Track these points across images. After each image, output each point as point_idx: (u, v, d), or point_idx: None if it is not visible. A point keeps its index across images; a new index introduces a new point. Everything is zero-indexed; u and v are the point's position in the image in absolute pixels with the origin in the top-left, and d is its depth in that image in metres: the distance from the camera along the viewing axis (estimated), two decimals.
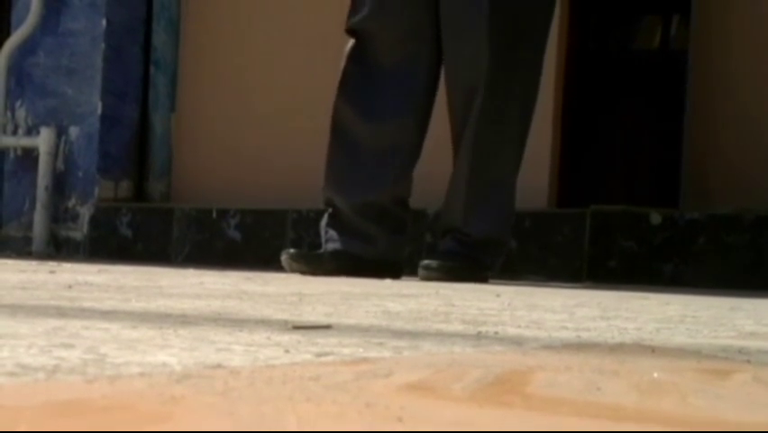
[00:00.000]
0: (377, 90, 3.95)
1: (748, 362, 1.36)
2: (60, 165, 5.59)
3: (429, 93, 3.97)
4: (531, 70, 3.91)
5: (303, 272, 3.85)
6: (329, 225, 4.01)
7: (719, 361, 1.38)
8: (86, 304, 1.93)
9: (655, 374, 1.18)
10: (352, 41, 3.99)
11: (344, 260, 3.90)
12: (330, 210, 4.03)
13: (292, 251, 3.99)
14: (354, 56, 3.98)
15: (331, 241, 3.99)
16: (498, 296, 2.84)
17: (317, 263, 3.89)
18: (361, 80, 3.97)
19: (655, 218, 4.25)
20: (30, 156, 5.65)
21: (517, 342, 1.52)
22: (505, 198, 3.92)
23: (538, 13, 3.89)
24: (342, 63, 4.00)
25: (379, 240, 3.95)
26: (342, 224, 3.99)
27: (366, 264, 3.89)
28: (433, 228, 4.16)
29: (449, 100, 3.90)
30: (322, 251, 4.00)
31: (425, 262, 3.83)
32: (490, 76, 3.79)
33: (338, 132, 4.03)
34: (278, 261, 4.00)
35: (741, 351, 1.49)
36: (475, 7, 3.80)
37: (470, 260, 3.83)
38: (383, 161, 3.94)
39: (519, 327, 1.79)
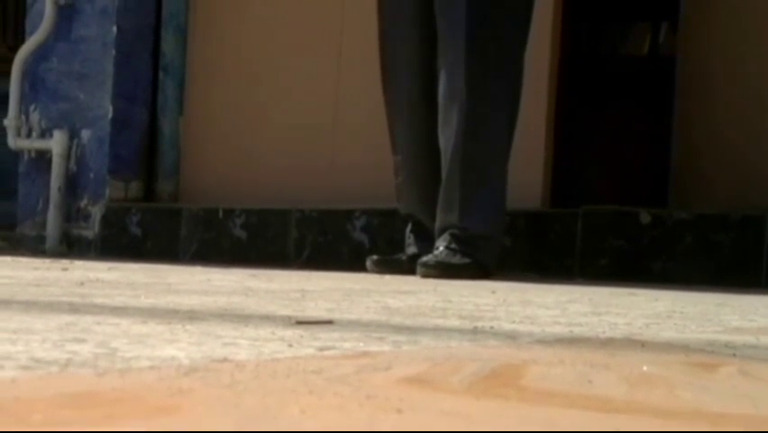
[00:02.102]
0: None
1: (734, 355, 1.36)
2: (73, 167, 5.59)
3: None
4: (511, 76, 3.97)
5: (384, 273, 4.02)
6: (412, 231, 4.20)
7: (706, 355, 1.38)
8: (98, 300, 1.93)
9: (644, 368, 1.18)
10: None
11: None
12: (414, 219, 4.20)
13: (375, 257, 4.16)
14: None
15: (411, 246, 4.18)
16: (493, 292, 2.84)
17: (397, 267, 4.06)
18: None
19: (645, 218, 4.25)
20: (43, 158, 5.65)
21: (512, 336, 1.52)
22: (498, 195, 3.97)
23: (515, 27, 3.98)
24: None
25: None
26: (421, 231, 4.15)
27: (442, 268, 3.98)
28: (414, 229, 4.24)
29: (439, 109, 3.98)
30: (401, 255, 4.18)
31: (424, 259, 3.85)
32: (469, 84, 3.88)
33: (396, 151, 4.20)
34: (282, 258, 4.00)
35: (727, 345, 1.49)
36: (454, 23, 3.90)
37: (468, 257, 3.85)
38: (434, 173, 4.05)
39: (514, 322, 1.79)
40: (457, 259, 3.84)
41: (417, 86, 4.08)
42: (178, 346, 1.18)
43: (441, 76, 3.96)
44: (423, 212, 4.13)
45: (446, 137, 3.95)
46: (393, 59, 4.14)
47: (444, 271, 3.78)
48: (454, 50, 3.92)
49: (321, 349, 1.22)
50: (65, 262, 4.11)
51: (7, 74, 5.79)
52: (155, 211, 5.45)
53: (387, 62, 4.16)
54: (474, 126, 3.90)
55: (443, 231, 3.96)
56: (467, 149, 3.90)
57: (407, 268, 4.02)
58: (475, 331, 1.57)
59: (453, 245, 3.88)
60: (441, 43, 3.97)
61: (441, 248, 3.90)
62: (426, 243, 4.10)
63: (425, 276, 3.77)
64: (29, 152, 5.71)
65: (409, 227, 4.22)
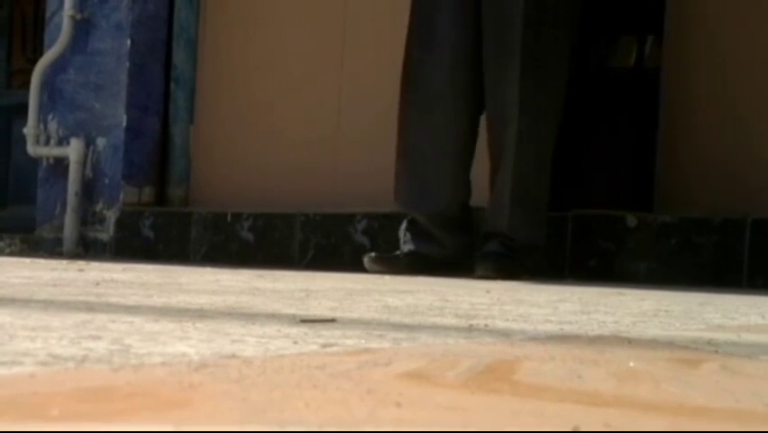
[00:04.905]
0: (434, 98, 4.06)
1: (716, 352, 1.36)
2: (89, 173, 5.59)
3: (478, 103, 4.04)
4: (560, 88, 4.03)
5: (382, 272, 3.98)
6: (407, 229, 4.18)
7: (690, 351, 1.37)
8: (112, 299, 1.93)
9: (631, 363, 1.18)
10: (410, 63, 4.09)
11: (417, 260, 4.07)
12: (408, 217, 4.18)
13: (373, 254, 4.15)
14: (411, 77, 4.09)
15: (407, 243, 4.16)
16: (488, 292, 2.83)
17: (394, 263, 4.06)
18: (418, 95, 4.09)
19: (631, 221, 4.25)
20: (61, 165, 5.65)
21: (506, 334, 1.52)
22: (542, 206, 4.04)
23: (564, 42, 4.04)
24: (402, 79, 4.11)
25: (448, 243, 4.11)
26: (417, 229, 4.14)
27: (436, 264, 4.04)
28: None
29: (488, 118, 3.98)
30: (398, 252, 4.16)
31: (482, 263, 3.89)
32: (523, 102, 3.92)
33: (404, 150, 4.14)
34: (288, 259, 3.99)
35: (710, 342, 1.49)
36: (509, 34, 3.92)
37: (515, 261, 3.92)
38: (444, 169, 4.06)
39: (507, 320, 1.79)
40: (507, 263, 3.89)
41: (451, 89, 4.04)
42: (189, 343, 1.17)
43: (491, 88, 3.96)
44: (422, 212, 4.12)
45: (497, 149, 3.96)
46: (422, 61, 4.06)
47: (500, 273, 3.82)
48: (507, 66, 3.92)
49: (324, 346, 1.22)
50: (81, 264, 4.10)
51: (27, 85, 5.80)
52: (167, 215, 5.45)
53: (414, 63, 4.08)
54: (526, 142, 3.93)
55: (491, 236, 3.99)
56: (518, 164, 3.93)
57: (404, 265, 4.03)
58: (471, 329, 1.57)
59: (502, 250, 3.94)
60: (491, 57, 3.96)
61: (491, 249, 3.93)
62: (423, 241, 4.10)
63: (483, 278, 3.79)
64: (47, 158, 5.72)
65: (404, 225, 4.20)
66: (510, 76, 3.92)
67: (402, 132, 4.17)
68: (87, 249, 5.57)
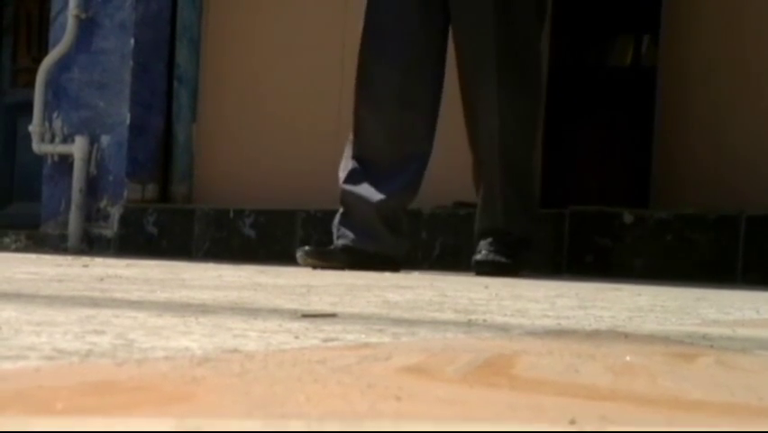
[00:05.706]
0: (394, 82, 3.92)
1: (711, 347, 1.36)
2: (93, 170, 5.59)
3: (437, 97, 3.96)
4: (540, 86, 3.98)
5: (315, 266, 3.85)
6: (341, 222, 3.99)
7: (685, 346, 1.37)
8: (116, 295, 1.93)
9: (628, 358, 1.18)
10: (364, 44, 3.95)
11: (353, 254, 3.90)
12: (342, 209, 4.00)
13: (307, 248, 3.97)
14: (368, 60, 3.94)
15: (342, 237, 3.97)
16: (486, 287, 2.83)
17: (329, 258, 3.89)
18: (377, 79, 3.93)
19: (628, 218, 4.25)
20: (65, 162, 5.65)
21: (504, 329, 1.52)
22: (533, 197, 4.00)
23: (538, 33, 3.95)
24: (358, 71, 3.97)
25: (385, 238, 3.94)
26: (352, 222, 3.96)
27: (371, 259, 3.88)
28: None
29: (466, 110, 3.90)
30: (333, 246, 3.98)
31: (482, 265, 3.83)
32: (502, 100, 3.82)
33: (360, 132, 3.98)
34: (289, 255, 3.96)
35: (705, 337, 1.49)
36: (482, 37, 3.83)
37: (513, 259, 3.85)
38: (400, 168, 3.94)
39: (506, 315, 1.79)
40: (505, 259, 3.83)
41: (408, 81, 3.91)
42: (192, 338, 1.17)
43: (467, 82, 3.87)
44: (373, 204, 3.92)
45: (481, 141, 3.89)
46: (381, 52, 3.91)
47: (499, 269, 3.75)
48: (483, 64, 3.83)
49: (325, 341, 1.22)
50: (86, 260, 4.10)
51: (32, 83, 5.80)
52: (170, 212, 5.45)
53: (371, 55, 3.92)
54: (510, 134, 3.85)
55: (487, 234, 3.91)
56: (505, 156, 3.86)
57: (340, 259, 3.87)
58: (469, 324, 1.57)
59: (500, 247, 3.86)
60: (465, 52, 3.85)
61: (490, 250, 3.87)
62: (359, 235, 3.93)
63: (481, 274, 3.73)
64: (52, 156, 5.72)
65: (338, 219, 4.01)
66: (487, 68, 3.83)
67: (357, 129, 3.98)
68: (92, 245, 5.57)
